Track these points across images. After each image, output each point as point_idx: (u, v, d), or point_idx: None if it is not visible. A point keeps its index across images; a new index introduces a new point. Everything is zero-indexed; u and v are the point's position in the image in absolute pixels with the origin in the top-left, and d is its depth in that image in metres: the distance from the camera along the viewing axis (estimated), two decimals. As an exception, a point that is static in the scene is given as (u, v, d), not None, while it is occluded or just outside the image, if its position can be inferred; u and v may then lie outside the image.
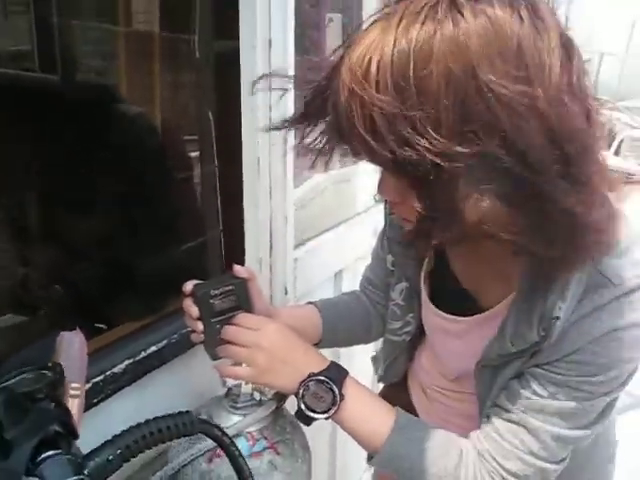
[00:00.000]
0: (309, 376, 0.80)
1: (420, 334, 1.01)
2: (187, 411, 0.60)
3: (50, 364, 0.63)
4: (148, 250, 1.22)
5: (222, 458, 0.86)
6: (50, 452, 0.54)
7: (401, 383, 1.10)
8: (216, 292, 0.85)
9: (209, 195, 1.29)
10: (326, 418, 0.80)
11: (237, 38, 1.11)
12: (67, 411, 0.60)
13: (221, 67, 1.25)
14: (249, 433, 0.88)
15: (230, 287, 0.86)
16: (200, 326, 0.85)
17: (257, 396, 0.92)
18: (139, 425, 0.58)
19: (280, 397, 0.93)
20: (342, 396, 0.80)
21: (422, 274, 0.94)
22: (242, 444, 0.87)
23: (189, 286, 0.86)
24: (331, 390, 0.79)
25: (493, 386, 0.81)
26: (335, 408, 0.80)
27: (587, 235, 0.62)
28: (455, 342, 0.90)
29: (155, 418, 0.59)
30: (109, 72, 1.54)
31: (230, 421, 0.88)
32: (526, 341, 0.72)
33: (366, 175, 1.85)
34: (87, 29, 1.55)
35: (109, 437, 0.59)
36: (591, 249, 0.64)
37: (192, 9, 1.40)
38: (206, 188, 1.35)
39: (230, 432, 0.86)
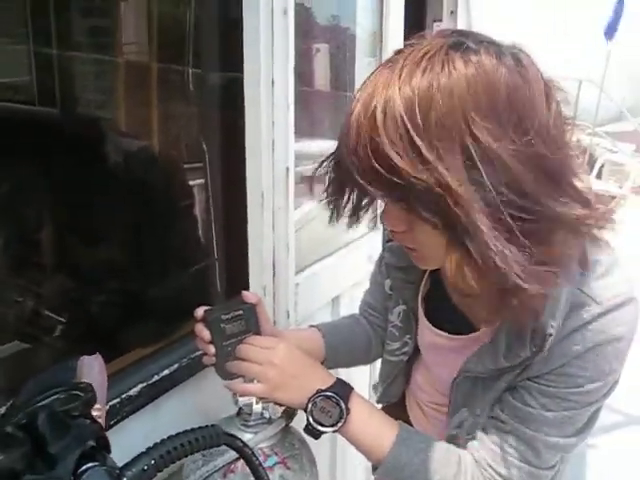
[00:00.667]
0: (317, 392, 0.86)
1: (416, 354, 1.05)
2: (213, 425, 0.65)
3: (82, 384, 0.68)
4: (156, 278, 1.27)
5: (235, 474, 0.92)
6: (90, 464, 0.59)
7: (399, 403, 1.13)
8: (227, 316, 0.90)
9: (213, 227, 1.35)
10: (333, 431, 0.86)
11: (240, 71, 1.18)
12: (101, 427, 0.65)
13: (224, 101, 1.32)
14: (260, 449, 0.93)
15: (239, 312, 0.91)
16: (212, 349, 0.90)
17: (267, 414, 0.97)
18: (170, 437, 0.64)
19: (289, 415, 0.98)
20: (348, 410, 0.85)
21: (419, 297, 1.00)
22: (254, 460, 0.92)
23: (200, 311, 0.91)
24: (338, 405, 0.85)
25: (485, 397, 0.86)
26: (342, 422, 0.85)
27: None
28: (450, 359, 0.94)
29: (185, 431, 0.64)
30: (108, 105, 1.60)
31: (242, 438, 0.93)
32: (519, 356, 0.78)
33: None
34: (87, 62, 1.61)
35: (128, 455, 0.63)
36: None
37: (191, 42, 1.48)
38: (207, 219, 1.41)
39: (243, 449, 0.91)
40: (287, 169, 1.18)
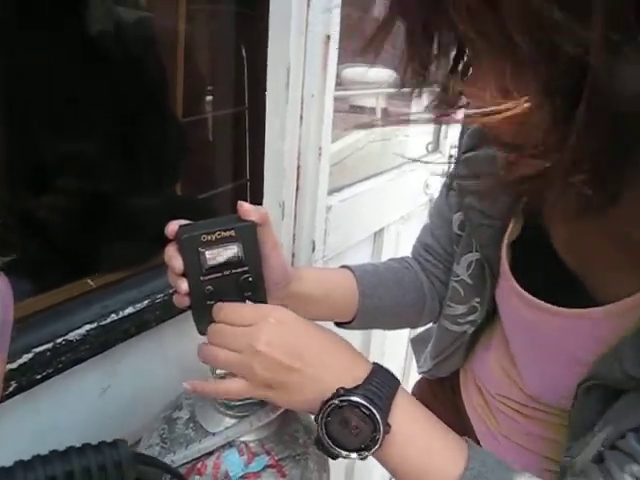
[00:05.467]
0: (337, 394, 0.53)
1: (489, 323, 0.78)
2: (115, 441, 0.33)
3: None
4: (141, 185, 0.94)
5: (203, 476, 0.61)
6: None
7: (448, 378, 0.88)
8: (209, 237, 0.59)
9: (220, 118, 0.99)
10: (361, 458, 0.53)
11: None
12: None
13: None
14: (245, 444, 0.62)
15: (230, 232, 0.60)
16: (184, 285, 0.60)
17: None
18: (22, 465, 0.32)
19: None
20: (388, 428, 0.52)
21: (504, 242, 0.69)
22: (233, 459, 0.60)
23: (174, 226, 0.60)
24: (371, 418, 0.52)
25: (606, 413, 0.54)
26: (375, 447, 0.52)
27: None
28: (548, 343, 0.64)
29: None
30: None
31: (219, 425, 0.62)
32: None
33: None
34: None
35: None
36: None
37: None
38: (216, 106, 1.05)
39: (218, 441, 0.60)
40: (328, 37, 0.81)
